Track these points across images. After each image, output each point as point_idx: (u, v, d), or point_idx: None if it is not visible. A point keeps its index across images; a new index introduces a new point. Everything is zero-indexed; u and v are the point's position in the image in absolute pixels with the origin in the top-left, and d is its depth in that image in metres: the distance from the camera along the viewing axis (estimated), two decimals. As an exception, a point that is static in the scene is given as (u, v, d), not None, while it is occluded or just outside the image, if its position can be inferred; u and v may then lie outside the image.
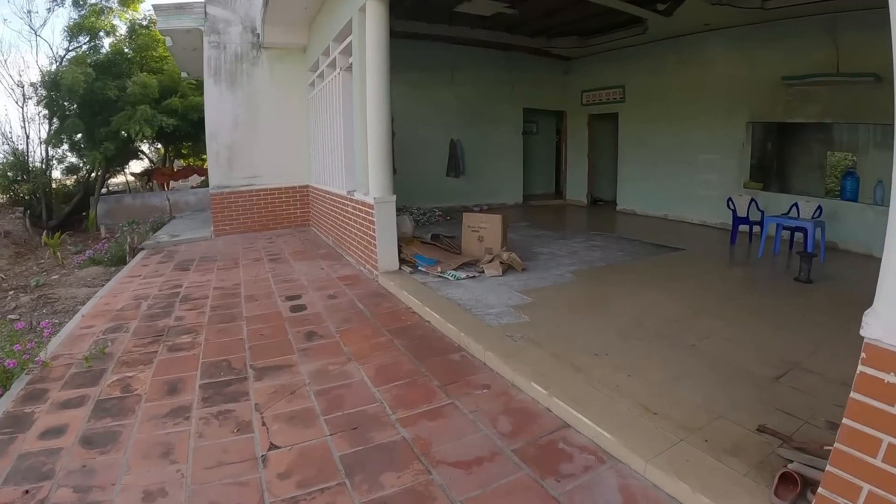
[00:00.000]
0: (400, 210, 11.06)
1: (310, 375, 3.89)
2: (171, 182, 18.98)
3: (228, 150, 10.45)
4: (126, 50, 16.58)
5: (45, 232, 13.46)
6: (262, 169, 10.69)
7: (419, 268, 6.19)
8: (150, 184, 19.33)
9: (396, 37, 11.21)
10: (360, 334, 4.68)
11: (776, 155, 10.53)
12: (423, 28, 10.85)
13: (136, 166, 21.14)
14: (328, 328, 4.88)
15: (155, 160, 20.87)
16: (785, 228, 7.70)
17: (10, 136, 15.52)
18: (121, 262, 9.19)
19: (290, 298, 5.89)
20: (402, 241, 6.80)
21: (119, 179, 20.99)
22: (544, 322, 4.57)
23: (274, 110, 10.65)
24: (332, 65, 8.03)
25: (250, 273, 7.20)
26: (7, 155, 15.39)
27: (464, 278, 5.88)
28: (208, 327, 5.04)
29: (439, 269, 5.98)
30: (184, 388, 3.73)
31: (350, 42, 6.81)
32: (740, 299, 5.42)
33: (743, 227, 8.68)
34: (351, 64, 6.87)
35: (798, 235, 8.09)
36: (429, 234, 7.53)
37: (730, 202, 8.82)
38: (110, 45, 16.39)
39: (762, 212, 8.51)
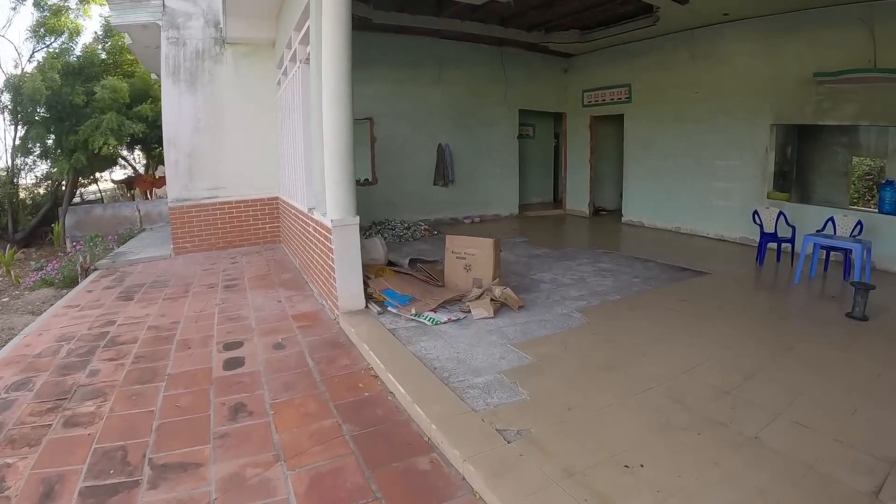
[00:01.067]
0: (370, 229, 10.21)
1: (219, 486, 2.75)
2: (155, 190, 17.93)
3: (188, 158, 9.32)
4: (100, 52, 15.64)
5: (7, 246, 12.63)
6: (227, 179, 9.52)
7: (389, 308, 5.02)
8: (132, 192, 18.34)
9: (377, 30, 10.19)
10: (300, 411, 3.51)
11: (795, 161, 9.46)
12: (407, 20, 9.71)
13: (122, 174, 20.16)
14: (262, 399, 3.72)
15: (138, 167, 19.76)
16: (823, 248, 6.63)
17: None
18: (73, 283, 8.35)
19: (229, 347, 4.75)
20: (372, 269, 5.66)
21: (98, 188, 19.90)
22: (550, 401, 3.37)
23: (240, 113, 9.49)
24: (294, 58, 6.86)
25: (197, 306, 6.13)
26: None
27: (444, 322, 4.71)
28: (121, 389, 3.96)
29: (413, 311, 4.80)
30: (61, 491, 2.76)
31: (309, 27, 5.64)
32: (794, 350, 4.26)
33: (770, 244, 7.61)
34: (310, 54, 5.70)
35: (834, 255, 7.08)
36: (407, 258, 6.37)
37: (756, 216, 7.74)
38: (83, 48, 15.45)
39: (793, 227, 7.43)
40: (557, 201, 14.39)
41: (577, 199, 12.86)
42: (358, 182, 11.40)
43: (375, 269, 5.70)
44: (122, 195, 19.66)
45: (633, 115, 11.08)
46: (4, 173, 14.64)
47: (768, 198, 8.59)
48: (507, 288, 5.06)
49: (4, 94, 13.97)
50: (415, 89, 11.16)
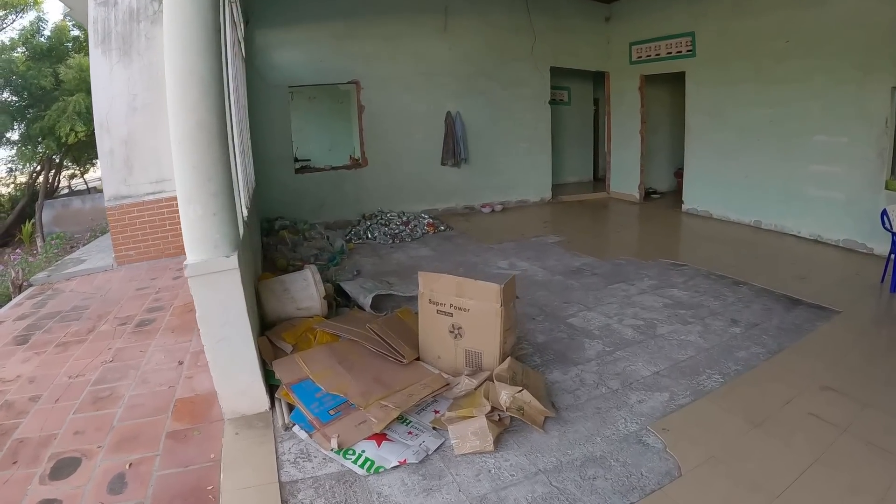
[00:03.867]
0: (358, 225, 8.25)
1: None
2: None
3: (125, 145, 7.36)
4: (71, 29, 13.99)
5: None
6: (174, 169, 7.51)
7: (298, 426, 2.88)
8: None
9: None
10: None
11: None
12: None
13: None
14: None
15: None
16: None
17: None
18: (7, 300, 7.02)
19: (57, 472, 2.83)
20: (295, 331, 3.53)
21: (84, 179, 18.43)
22: None
23: (187, 84, 7.43)
24: None
25: (82, 362, 4.34)
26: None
27: (394, 467, 2.55)
28: None
29: (336, 442, 2.62)
30: None
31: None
32: None
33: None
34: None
35: None
36: (371, 293, 4.25)
37: (885, 218, 5.39)
38: (53, 27, 13.85)
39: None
40: (598, 180, 12.02)
41: (624, 179, 10.41)
42: (354, 161, 9.41)
43: (302, 328, 3.54)
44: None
45: (697, 73, 8.56)
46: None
47: (887, 188, 6.20)
48: (523, 392, 2.80)
49: None
50: (413, 44, 8.99)
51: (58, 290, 6.77)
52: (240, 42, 6.71)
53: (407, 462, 2.56)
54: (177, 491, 2.65)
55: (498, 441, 2.69)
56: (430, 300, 3.34)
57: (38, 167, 13.74)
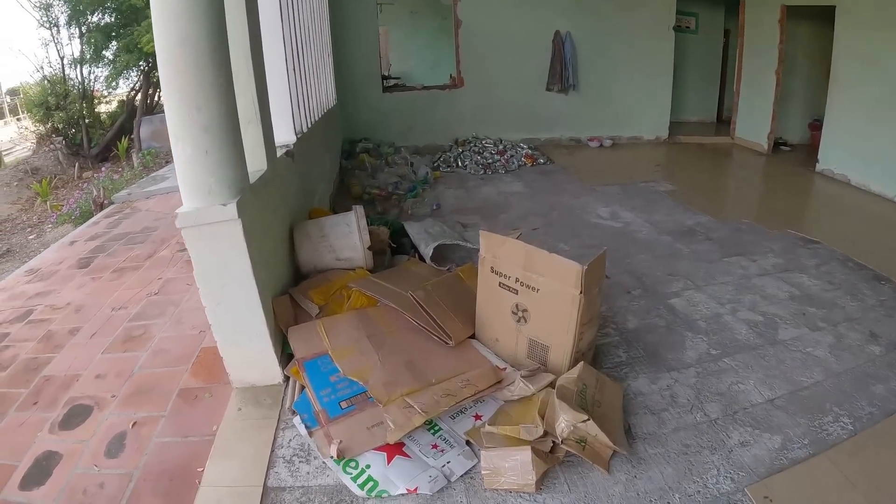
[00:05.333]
0: (449, 151, 7.87)
1: None
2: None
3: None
4: None
5: (77, 164, 12.48)
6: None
7: (299, 417, 2.35)
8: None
9: None
10: None
11: None
12: None
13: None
14: None
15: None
16: None
17: (42, 61, 13.72)
18: (89, 217, 7.34)
19: (68, 420, 2.64)
20: (329, 287, 3.00)
21: None
22: None
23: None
24: None
25: (131, 291, 4.22)
26: (39, 83, 13.90)
27: (401, 495, 1.97)
28: None
29: (334, 450, 2.08)
30: None
31: None
32: None
33: None
34: None
35: None
36: (434, 242, 3.64)
37: None
38: None
39: None
40: (722, 122, 10.55)
41: (752, 125, 8.92)
42: (454, 81, 8.76)
43: (337, 284, 2.99)
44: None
45: (849, 11, 6.86)
46: (77, 88, 13.66)
47: None
48: (589, 420, 2.04)
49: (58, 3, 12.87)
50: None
51: (135, 209, 6.87)
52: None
53: (415, 491, 1.98)
54: (168, 465, 2.32)
55: (543, 477, 2.03)
56: (491, 268, 2.68)
57: (138, 84, 14.09)
